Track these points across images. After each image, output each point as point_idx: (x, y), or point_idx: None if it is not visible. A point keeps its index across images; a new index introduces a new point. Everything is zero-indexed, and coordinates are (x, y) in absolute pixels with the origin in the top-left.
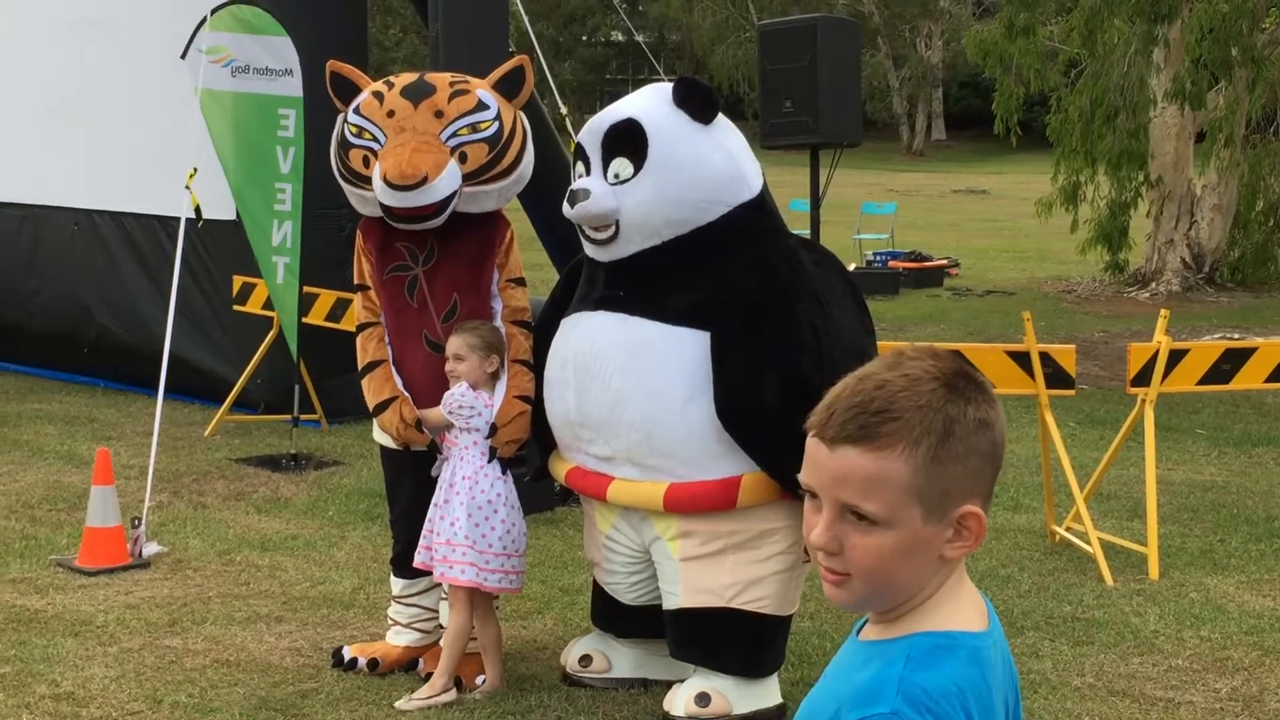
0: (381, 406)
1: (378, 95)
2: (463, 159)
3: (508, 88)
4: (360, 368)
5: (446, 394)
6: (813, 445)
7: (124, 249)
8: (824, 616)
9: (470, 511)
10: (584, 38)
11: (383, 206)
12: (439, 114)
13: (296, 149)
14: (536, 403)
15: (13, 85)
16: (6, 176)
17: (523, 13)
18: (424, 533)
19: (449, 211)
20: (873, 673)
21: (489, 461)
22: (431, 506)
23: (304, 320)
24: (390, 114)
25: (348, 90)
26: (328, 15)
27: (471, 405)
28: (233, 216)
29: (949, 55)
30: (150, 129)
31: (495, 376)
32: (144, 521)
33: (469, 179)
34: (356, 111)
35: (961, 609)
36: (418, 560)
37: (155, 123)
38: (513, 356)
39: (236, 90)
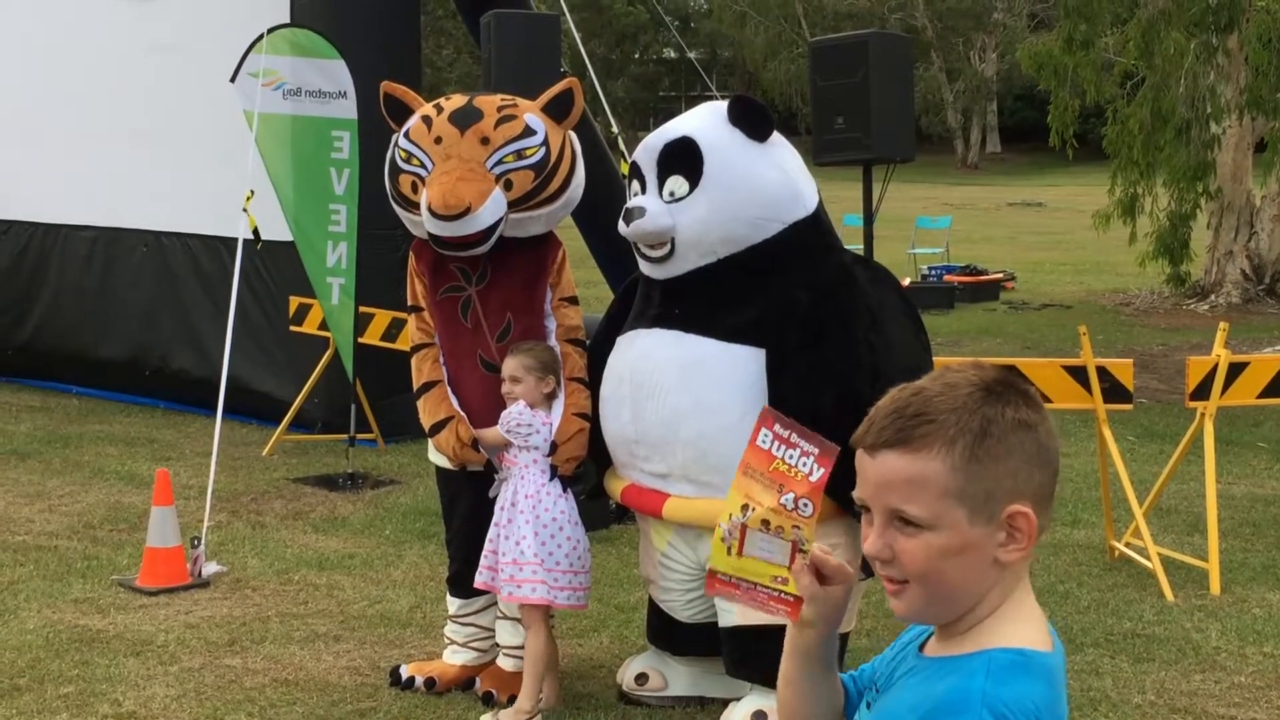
0: (437, 427)
1: (426, 120)
2: (508, 186)
3: (557, 110)
4: (415, 389)
5: (504, 413)
6: (858, 458)
7: (188, 270)
8: (881, 634)
9: (536, 530)
10: (636, 55)
11: (429, 234)
12: (485, 141)
13: (351, 171)
14: (593, 420)
15: (93, 109)
16: (82, 199)
17: (575, 32)
18: (485, 553)
19: (494, 239)
20: (951, 685)
21: (550, 480)
22: (492, 527)
23: (359, 340)
24: (438, 140)
25: (400, 111)
26: (381, 37)
27: (529, 423)
28: (291, 238)
29: (1003, 68)
30: (218, 151)
31: (552, 396)
32: (203, 541)
33: (514, 205)
34: (406, 136)
35: (1030, 627)
36: (479, 581)
37: (223, 145)
38: (568, 375)
39: (288, 113)
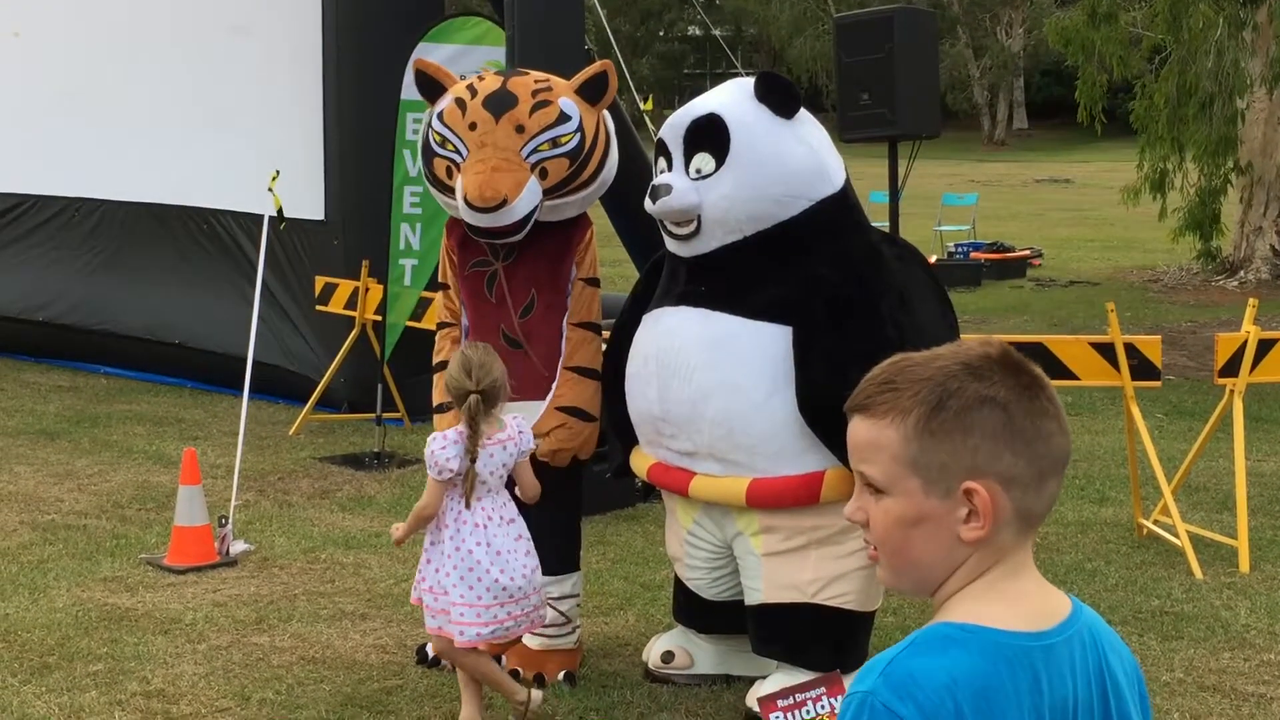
0: (441, 408)
1: (460, 103)
2: (543, 174)
3: (591, 93)
4: (434, 365)
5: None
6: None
7: (217, 247)
8: (907, 612)
9: (456, 564)
10: (661, 33)
11: (467, 224)
12: (520, 129)
13: None
14: (617, 403)
15: (139, 89)
16: (118, 177)
17: (599, 9)
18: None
19: (529, 226)
20: (881, 653)
21: (465, 508)
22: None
23: (386, 319)
24: (472, 126)
25: (434, 89)
26: (408, 16)
27: (431, 456)
28: (319, 217)
29: (1030, 43)
30: (273, 132)
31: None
32: (231, 520)
33: (550, 193)
34: (440, 119)
35: (997, 606)
36: (413, 597)
37: (264, 124)
38: (566, 363)
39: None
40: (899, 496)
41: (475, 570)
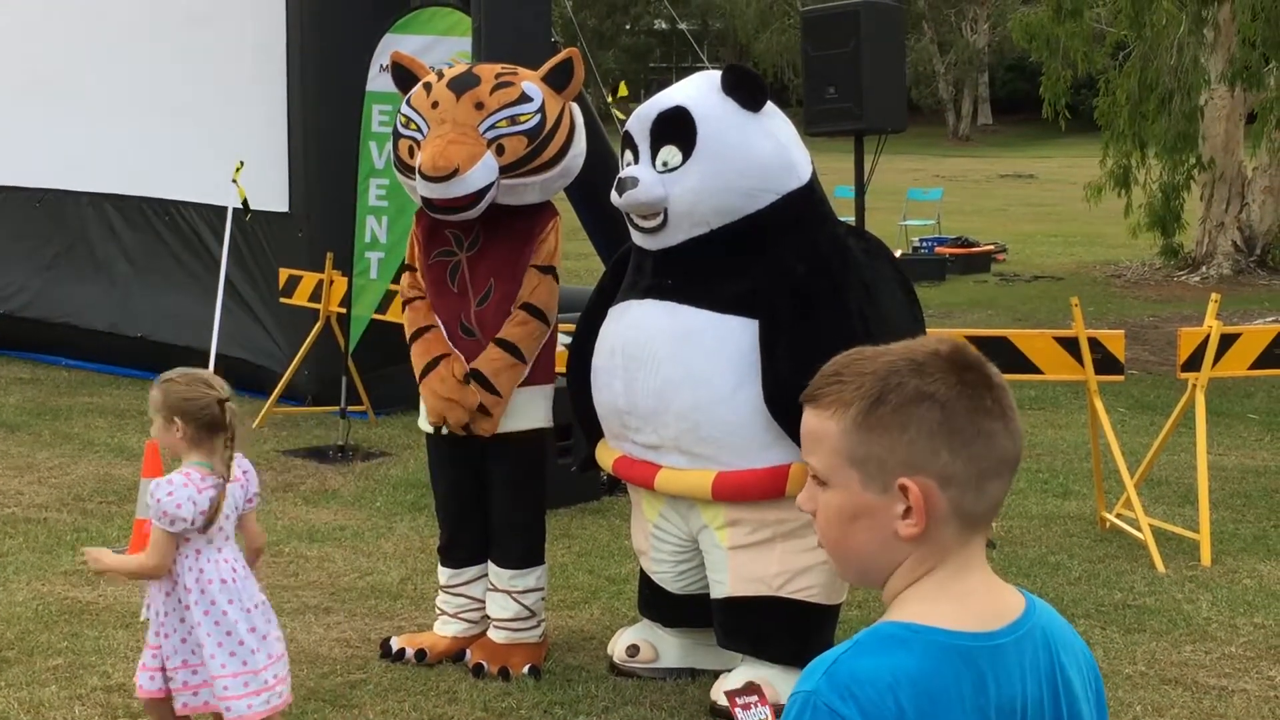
0: (430, 366)
1: (427, 86)
2: (500, 151)
3: (557, 80)
4: (409, 336)
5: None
6: None
7: (180, 240)
8: (872, 605)
9: (222, 625)
10: (627, 26)
11: (422, 198)
12: (479, 105)
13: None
14: (583, 395)
15: (99, 78)
16: (79, 167)
17: (566, 2)
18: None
19: (485, 203)
20: (825, 652)
21: (208, 560)
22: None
23: (351, 311)
24: (434, 105)
25: (409, 81)
26: (376, 9)
27: (172, 505)
28: (284, 208)
29: (995, 39)
30: (236, 122)
31: (206, 443)
32: None
33: (507, 171)
34: (408, 103)
35: (948, 605)
36: (142, 690)
37: (244, 116)
38: (501, 335)
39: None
40: (839, 489)
41: (235, 633)
